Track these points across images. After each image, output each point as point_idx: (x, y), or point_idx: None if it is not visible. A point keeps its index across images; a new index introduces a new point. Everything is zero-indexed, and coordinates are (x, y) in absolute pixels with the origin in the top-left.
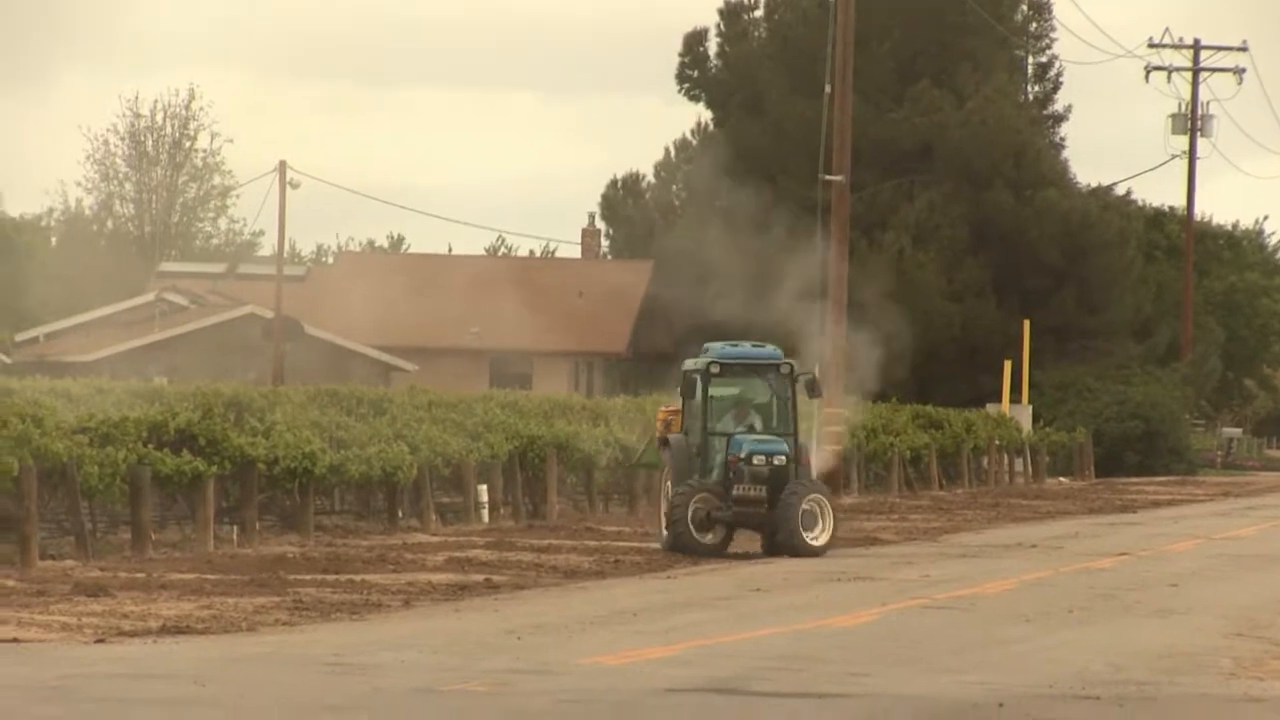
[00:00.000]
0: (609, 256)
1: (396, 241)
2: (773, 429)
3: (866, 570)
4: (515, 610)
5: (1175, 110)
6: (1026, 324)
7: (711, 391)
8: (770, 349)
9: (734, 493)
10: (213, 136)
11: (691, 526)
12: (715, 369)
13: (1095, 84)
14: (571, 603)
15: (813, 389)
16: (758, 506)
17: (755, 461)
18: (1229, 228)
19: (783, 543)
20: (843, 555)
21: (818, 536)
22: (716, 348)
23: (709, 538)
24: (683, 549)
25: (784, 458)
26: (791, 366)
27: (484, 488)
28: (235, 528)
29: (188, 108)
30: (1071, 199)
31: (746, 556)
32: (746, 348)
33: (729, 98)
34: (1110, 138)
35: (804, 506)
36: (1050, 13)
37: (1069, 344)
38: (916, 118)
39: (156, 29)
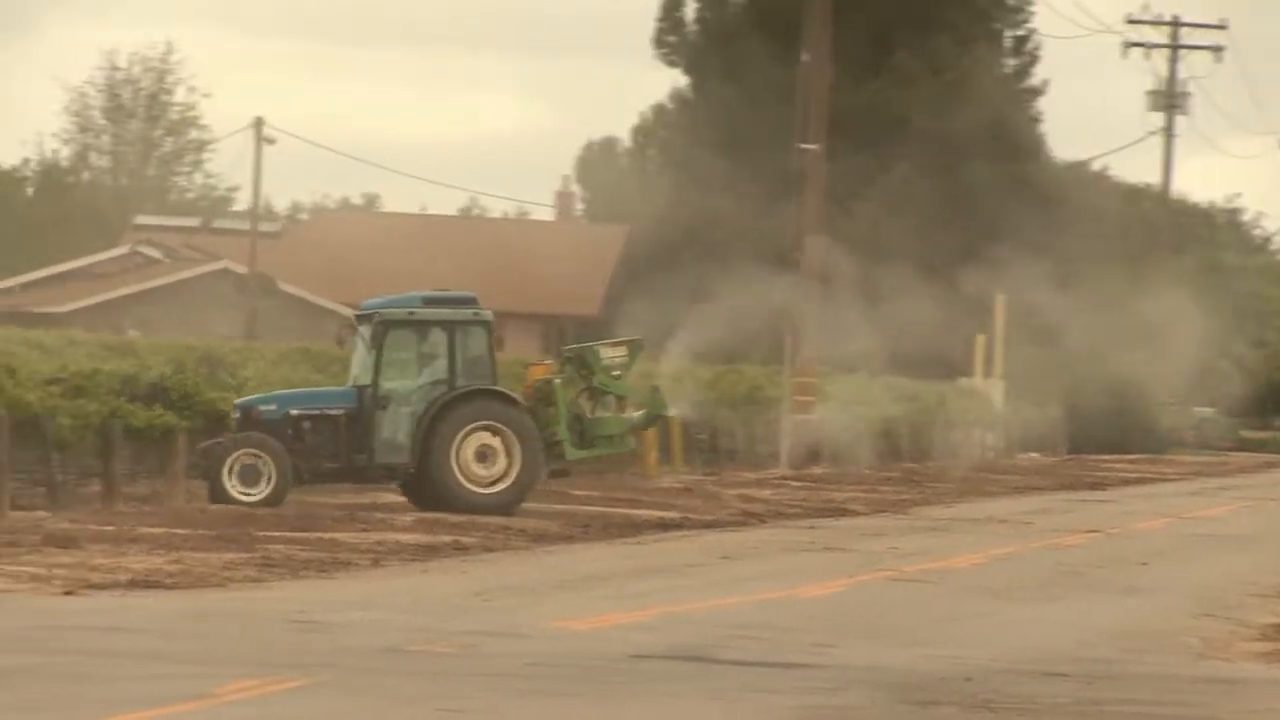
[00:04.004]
0: (584, 220)
1: (371, 200)
2: None
3: (836, 541)
4: (483, 572)
5: (1153, 87)
6: (1000, 298)
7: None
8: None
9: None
10: (190, 91)
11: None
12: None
13: (1073, 59)
14: (539, 566)
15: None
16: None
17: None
18: (1205, 206)
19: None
20: (812, 526)
21: (260, 492)
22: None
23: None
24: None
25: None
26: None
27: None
28: (206, 483)
29: (165, 61)
30: (1048, 173)
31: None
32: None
33: (706, 64)
34: (1087, 113)
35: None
36: None
37: (1043, 319)
38: (893, 89)
39: None
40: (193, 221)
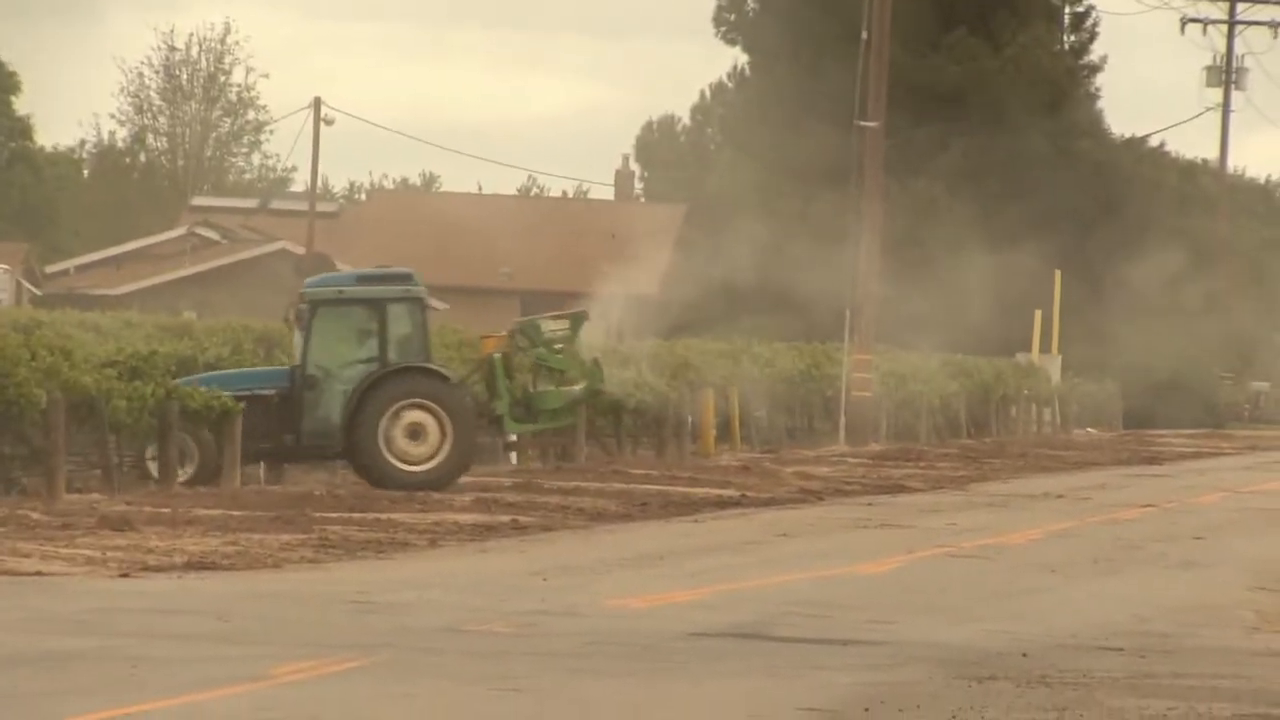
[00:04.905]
0: (643, 199)
1: (430, 180)
2: None
3: (893, 518)
4: (541, 552)
5: (1210, 63)
6: (1058, 274)
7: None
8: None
9: None
10: (248, 71)
11: None
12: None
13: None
14: (597, 545)
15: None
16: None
17: None
18: (1262, 182)
19: None
20: (870, 503)
21: (186, 473)
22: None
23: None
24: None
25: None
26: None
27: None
28: (262, 464)
29: (223, 42)
30: (1106, 149)
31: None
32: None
33: (766, 42)
34: (1145, 89)
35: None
36: None
37: (1101, 294)
38: (952, 65)
39: None
40: (250, 202)
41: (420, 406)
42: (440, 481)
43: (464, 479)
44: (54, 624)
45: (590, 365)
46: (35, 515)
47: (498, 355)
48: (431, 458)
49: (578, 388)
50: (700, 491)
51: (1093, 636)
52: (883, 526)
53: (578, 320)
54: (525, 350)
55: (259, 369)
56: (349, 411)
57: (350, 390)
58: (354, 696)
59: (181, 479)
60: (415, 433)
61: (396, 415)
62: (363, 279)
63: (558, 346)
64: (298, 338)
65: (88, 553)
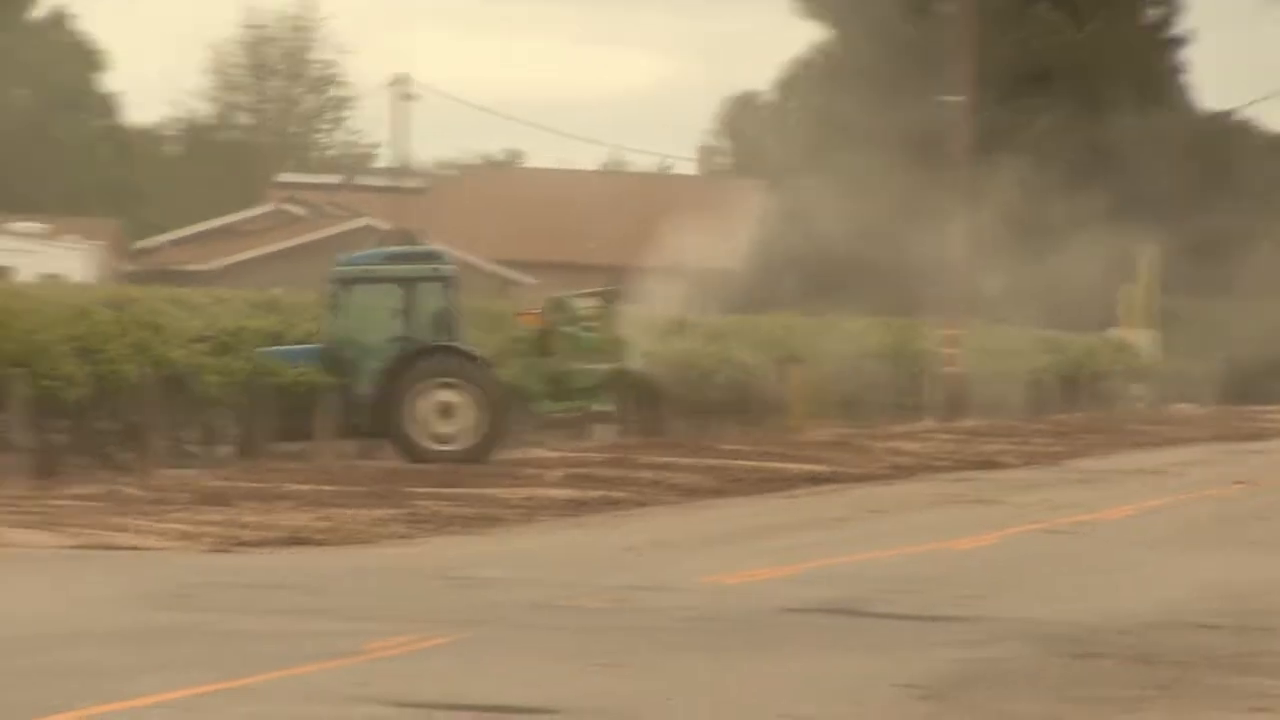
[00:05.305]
0: (727, 173)
1: (514, 155)
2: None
3: (986, 494)
4: (635, 527)
5: None
6: (1149, 249)
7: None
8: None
9: None
10: (332, 47)
11: None
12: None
13: (1218, 7)
14: (691, 521)
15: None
16: None
17: None
18: None
19: None
20: (962, 479)
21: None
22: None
23: None
24: None
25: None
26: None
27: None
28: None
29: (307, 18)
30: (1193, 123)
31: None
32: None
33: (849, 16)
34: (1231, 63)
35: None
36: None
37: (1193, 269)
38: (1036, 39)
39: None
40: (335, 178)
41: (449, 385)
42: (471, 460)
43: (555, 453)
44: (149, 599)
45: (616, 344)
46: (130, 490)
47: (527, 335)
48: (463, 436)
49: (609, 366)
50: (793, 467)
51: (1191, 613)
52: (976, 502)
53: (610, 297)
54: (559, 327)
55: (292, 347)
56: (379, 390)
57: (380, 368)
58: (447, 672)
59: (216, 456)
60: (446, 411)
61: (426, 394)
62: (391, 257)
63: (590, 324)
64: (328, 316)
65: (182, 528)
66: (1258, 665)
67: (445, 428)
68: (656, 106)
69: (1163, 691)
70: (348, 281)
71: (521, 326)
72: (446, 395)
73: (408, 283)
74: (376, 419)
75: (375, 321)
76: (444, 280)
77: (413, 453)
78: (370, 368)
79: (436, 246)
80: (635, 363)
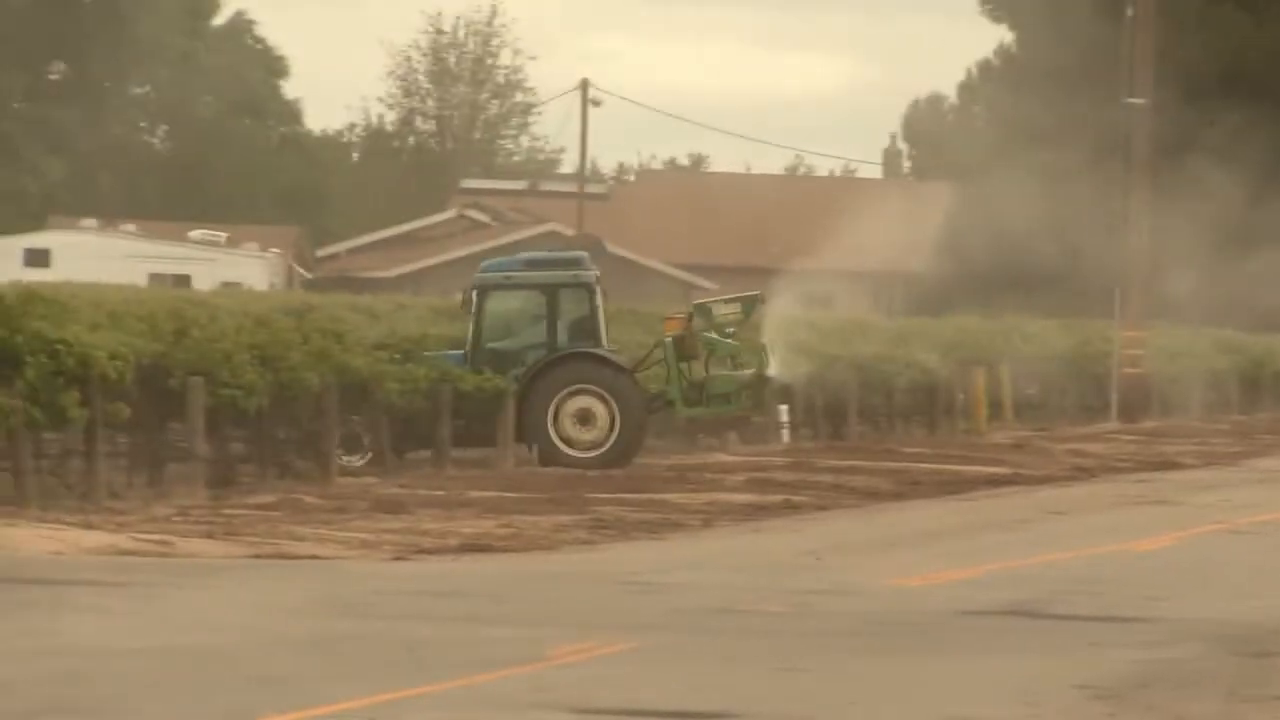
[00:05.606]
0: (911, 177)
1: (697, 160)
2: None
3: (1166, 494)
4: (815, 531)
5: None
6: None
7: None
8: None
9: None
10: (515, 53)
11: None
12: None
13: None
14: (871, 524)
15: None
16: None
17: None
18: None
19: None
20: (1143, 480)
21: (362, 458)
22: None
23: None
24: None
25: None
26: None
27: (784, 408)
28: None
29: (490, 24)
30: None
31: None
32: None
33: (1031, 19)
34: None
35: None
36: None
37: None
38: (1220, 40)
39: None
40: (519, 184)
41: (588, 393)
42: (606, 467)
43: (736, 457)
44: (330, 607)
45: (758, 351)
46: (309, 499)
47: (669, 338)
48: (601, 444)
49: (748, 372)
50: (972, 470)
51: None
52: (1156, 503)
53: (750, 303)
54: (702, 333)
55: (436, 354)
56: (519, 395)
57: (520, 374)
58: (629, 678)
59: (357, 463)
60: (584, 418)
61: (565, 400)
62: (532, 263)
63: (729, 330)
64: (471, 322)
65: (362, 535)
66: None
67: (583, 434)
68: (840, 110)
69: None
70: (489, 288)
71: (666, 332)
72: (585, 402)
73: (549, 289)
74: (516, 424)
75: (516, 327)
76: (586, 286)
77: (548, 459)
78: (511, 373)
79: (579, 252)
80: (775, 369)
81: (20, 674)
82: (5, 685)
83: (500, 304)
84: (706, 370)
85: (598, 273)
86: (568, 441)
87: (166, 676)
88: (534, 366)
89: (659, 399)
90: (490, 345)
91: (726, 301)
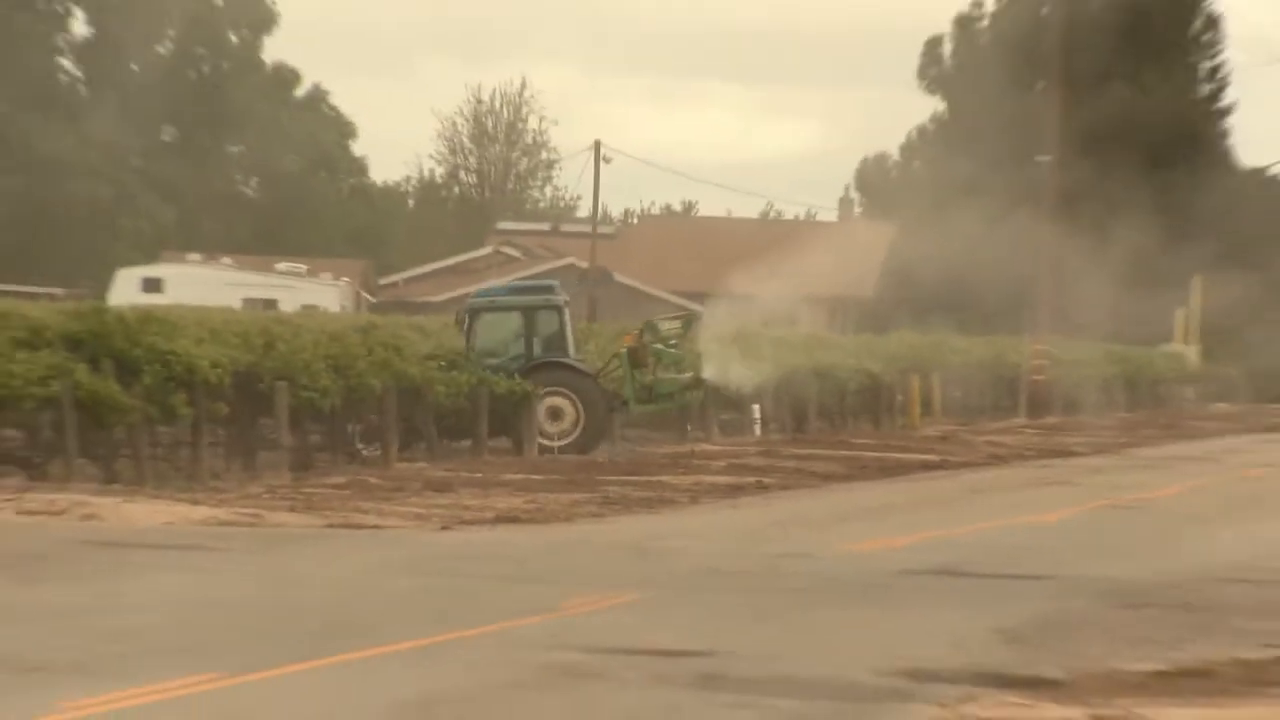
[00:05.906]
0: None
1: (688, 206)
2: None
3: (1065, 477)
4: (782, 506)
5: None
6: (1197, 279)
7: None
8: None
9: None
10: (541, 119)
11: None
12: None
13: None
14: (828, 501)
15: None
16: None
17: None
18: None
19: None
20: (1046, 465)
21: (375, 450)
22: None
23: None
24: None
25: None
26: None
27: (756, 407)
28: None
29: (520, 95)
30: (1235, 177)
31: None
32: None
33: (960, 91)
34: (1273, 128)
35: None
36: (1220, 26)
37: (1233, 293)
38: (1112, 108)
39: (494, 26)
40: (544, 226)
41: (558, 394)
42: (575, 453)
43: (717, 447)
44: (388, 567)
45: (696, 357)
46: (373, 480)
47: (625, 350)
48: (567, 435)
49: (687, 375)
50: (909, 457)
51: (1227, 570)
52: (1058, 484)
53: (688, 320)
54: (650, 345)
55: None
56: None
57: (504, 379)
58: (629, 625)
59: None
60: (555, 414)
61: (539, 400)
62: (514, 290)
63: (672, 342)
64: (465, 338)
65: (415, 510)
66: (1275, 610)
67: (554, 427)
68: (805, 166)
69: (1197, 633)
70: (479, 310)
71: (622, 344)
72: (556, 401)
73: (527, 310)
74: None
75: (501, 341)
76: (557, 308)
77: (525, 448)
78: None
79: (551, 281)
80: (709, 373)
81: (164, 618)
82: (156, 626)
83: (488, 323)
84: (654, 375)
85: (566, 298)
86: (542, 433)
87: (261, 622)
88: (515, 373)
89: (617, 398)
90: (480, 356)
91: (670, 319)
